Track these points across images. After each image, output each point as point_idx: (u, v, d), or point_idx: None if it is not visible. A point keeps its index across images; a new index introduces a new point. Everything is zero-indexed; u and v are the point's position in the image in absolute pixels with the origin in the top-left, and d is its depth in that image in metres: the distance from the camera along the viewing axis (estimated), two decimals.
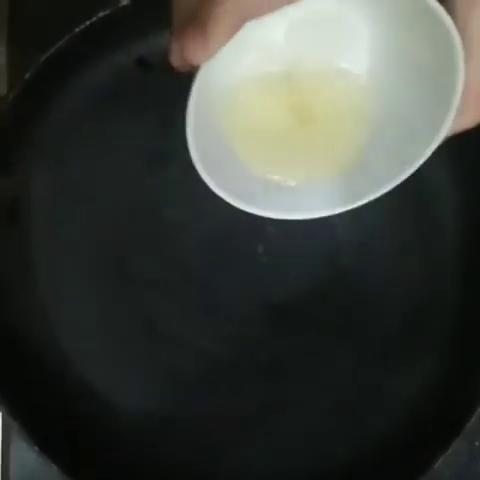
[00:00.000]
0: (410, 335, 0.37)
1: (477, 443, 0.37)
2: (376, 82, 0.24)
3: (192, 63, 0.23)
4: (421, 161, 0.23)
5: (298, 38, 0.24)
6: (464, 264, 0.37)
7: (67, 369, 0.34)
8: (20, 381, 0.32)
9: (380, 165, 0.24)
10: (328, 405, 0.36)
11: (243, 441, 0.36)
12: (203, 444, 0.35)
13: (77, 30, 0.30)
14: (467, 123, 0.23)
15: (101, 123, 0.35)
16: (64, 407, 0.33)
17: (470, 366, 0.34)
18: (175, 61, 0.24)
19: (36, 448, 0.30)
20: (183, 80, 0.35)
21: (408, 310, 0.37)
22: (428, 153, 0.23)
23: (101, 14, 0.30)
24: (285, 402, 0.36)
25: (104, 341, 0.35)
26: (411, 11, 0.21)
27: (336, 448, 0.36)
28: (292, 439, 0.36)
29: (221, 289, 0.37)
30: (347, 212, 0.38)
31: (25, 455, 0.34)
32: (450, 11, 0.21)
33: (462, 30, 0.21)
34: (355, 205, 0.25)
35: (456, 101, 0.22)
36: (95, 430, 0.34)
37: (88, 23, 0.30)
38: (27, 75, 0.30)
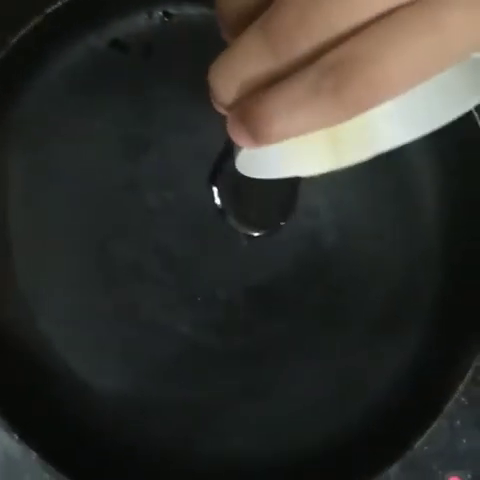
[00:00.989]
0: (392, 318, 0.37)
1: (458, 422, 0.37)
2: None
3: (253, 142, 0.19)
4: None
5: None
6: (445, 247, 0.37)
7: (50, 356, 0.34)
8: (1, 369, 0.32)
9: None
10: (311, 388, 0.36)
11: (224, 424, 0.36)
12: (184, 428, 0.35)
13: (49, 11, 0.29)
14: None
15: (76, 106, 0.35)
16: (46, 394, 0.33)
17: (451, 347, 0.34)
18: (234, 131, 0.20)
19: (16, 436, 0.29)
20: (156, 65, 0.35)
21: (390, 293, 0.37)
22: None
23: None
24: (268, 386, 0.36)
25: (86, 327, 0.35)
26: None
27: (318, 431, 0.36)
28: (274, 423, 0.36)
29: (203, 274, 0.36)
30: (329, 195, 0.39)
31: (5, 441, 0.34)
32: None
33: None
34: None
35: None
36: (76, 415, 0.34)
37: (60, 3, 0.29)
38: None
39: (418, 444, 0.33)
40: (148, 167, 0.36)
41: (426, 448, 0.36)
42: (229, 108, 0.20)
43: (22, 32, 0.29)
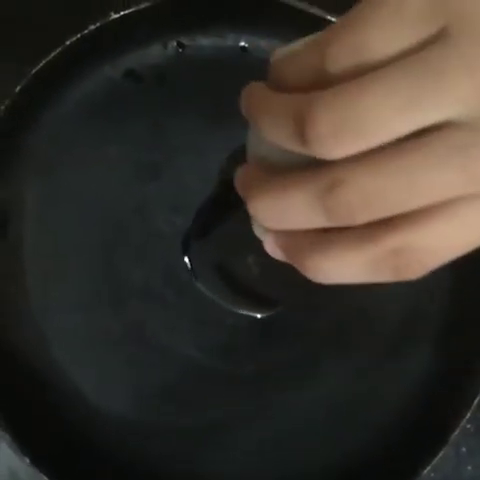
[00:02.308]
0: (396, 343, 0.37)
1: (464, 449, 0.37)
2: None
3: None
4: None
5: None
6: (453, 273, 0.37)
7: (57, 377, 0.34)
8: (10, 391, 0.32)
9: None
10: (314, 414, 0.37)
11: (226, 448, 0.36)
12: (184, 450, 0.36)
13: (68, 43, 0.30)
14: None
15: (90, 133, 0.35)
16: (53, 415, 0.33)
17: (458, 375, 0.35)
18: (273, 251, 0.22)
19: (27, 459, 0.30)
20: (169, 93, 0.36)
21: (394, 316, 0.37)
22: None
23: (92, 27, 0.30)
24: (270, 410, 0.37)
25: (93, 349, 0.35)
26: None
27: (322, 457, 0.36)
28: (276, 447, 0.36)
29: (210, 299, 0.37)
30: None
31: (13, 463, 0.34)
32: None
33: None
34: None
35: None
36: (83, 437, 0.34)
37: (79, 36, 0.30)
38: (18, 88, 0.30)
39: (425, 472, 0.33)
40: (158, 191, 0.36)
41: (432, 475, 0.36)
42: (273, 234, 0.21)
43: (42, 63, 0.30)
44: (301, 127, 0.18)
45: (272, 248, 0.21)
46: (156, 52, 0.35)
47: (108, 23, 0.31)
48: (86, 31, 0.31)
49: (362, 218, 0.18)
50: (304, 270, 0.20)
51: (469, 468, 0.38)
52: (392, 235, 0.18)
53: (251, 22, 0.35)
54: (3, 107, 0.30)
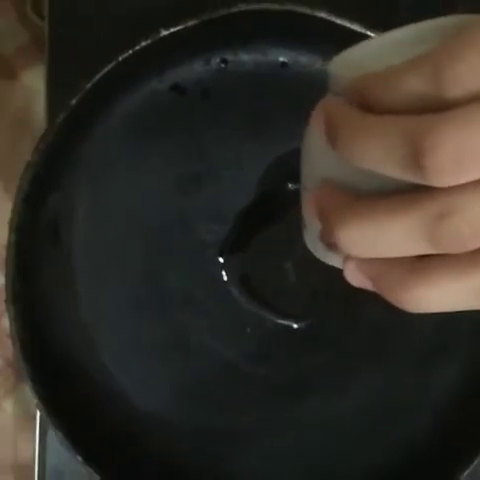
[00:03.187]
0: (428, 354, 0.38)
1: None
2: None
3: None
4: None
5: None
6: None
7: (107, 381, 0.35)
8: (63, 392, 0.33)
9: None
10: (353, 422, 0.37)
11: (261, 452, 0.37)
12: (222, 450, 0.37)
13: (121, 58, 0.32)
14: None
15: (137, 145, 0.37)
16: (104, 417, 0.35)
17: None
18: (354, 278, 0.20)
19: (79, 458, 0.31)
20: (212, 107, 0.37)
21: (427, 328, 0.38)
22: None
23: (143, 43, 0.32)
24: (302, 416, 0.37)
25: (138, 353, 0.36)
26: None
27: (353, 465, 0.37)
28: (311, 455, 0.37)
29: (247, 307, 0.38)
30: None
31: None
32: None
33: None
34: None
35: None
36: (130, 438, 0.36)
37: (131, 51, 0.32)
38: (74, 101, 0.31)
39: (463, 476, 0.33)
40: (199, 202, 0.38)
41: None
42: (356, 261, 0.20)
43: (97, 77, 0.31)
44: (417, 154, 0.17)
45: (355, 276, 0.20)
46: (200, 67, 0.37)
47: (158, 39, 0.32)
48: (137, 47, 0.32)
49: (473, 246, 0.18)
50: (399, 300, 0.19)
51: None
52: None
53: (291, 38, 0.37)
54: (60, 119, 0.31)
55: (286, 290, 0.38)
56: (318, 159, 0.22)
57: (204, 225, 0.38)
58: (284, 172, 0.38)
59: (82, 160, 0.35)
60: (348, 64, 0.20)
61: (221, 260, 0.38)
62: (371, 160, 0.18)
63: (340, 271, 0.21)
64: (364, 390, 0.37)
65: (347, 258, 0.20)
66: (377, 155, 0.18)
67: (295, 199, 0.36)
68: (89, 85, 0.31)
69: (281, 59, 0.37)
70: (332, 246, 0.20)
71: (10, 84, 0.45)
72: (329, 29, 0.34)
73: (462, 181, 0.17)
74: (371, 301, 0.35)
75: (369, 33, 0.33)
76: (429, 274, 0.18)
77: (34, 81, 0.44)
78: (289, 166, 0.37)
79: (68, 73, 0.36)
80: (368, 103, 0.19)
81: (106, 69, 0.31)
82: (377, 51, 0.21)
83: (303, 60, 0.37)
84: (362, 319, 0.38)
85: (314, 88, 0.36)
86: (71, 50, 0.37)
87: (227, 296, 0.38)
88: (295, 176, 0.36)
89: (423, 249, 0.18)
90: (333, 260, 0.22)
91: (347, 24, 0.33)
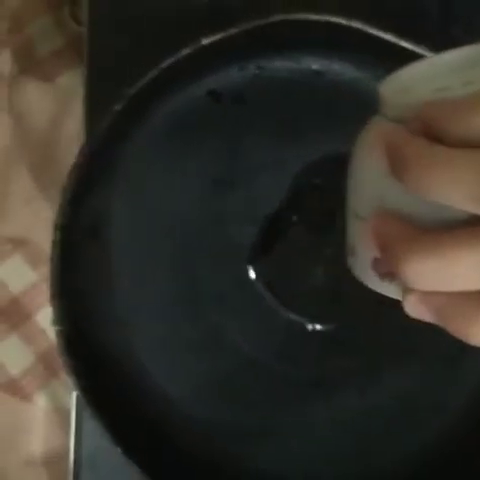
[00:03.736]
0: (456, 354, 0.39)
1: None
2: None
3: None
4: None
5: None
6: None
7: (142, 378, 0.37)
8: (100, 383, 0.35)
9: None
10: (372, 424, 0.38)
11: (289, 448, 0.38)
12: (247, 446, 0.38)
13: (163, 66, 0.33)
14: None
15: (175, 148, 0.38)
16: (139, 410, 0.36)
17: None
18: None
19: (119, 449, 0.32)
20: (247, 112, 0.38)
21: None
22: None
23: (184, 52, 0.33)
24: (330, 419, 0.38)
25: (173, 350, 0.38)
26: None
27: (374, 467, 0.38)
28: (339, 451, 0.38)
29: (281, 306, 0.39)
30: None
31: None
32: None
33: None
34: None
35: None
36: (163, 430, 0.37)
37: (173, 59, 0.33)
38: (117, 107, 0.32)
39: None
40: (233, 204, 0.39)
41: None
42: (419, 294, 0.19)
43: (139, 84, 0.32)
44: None
45: (418, 309, 0.20)
46: (236, 73, 0.38)
47: (199, 48, 0.33)
48: (179, 55, 0.33)
49: None
50: (464, 334, 0.19)
51: None
52: None
53: (325, 47, 0.38)
54: (104, 124, 0.33)
55: (313, 293, 0.39)
56: (375, 187, 0.21)
57: (237, 227, 0.39)
58: (315, 177, 0.39)
59: (122, 162, 0.37)
60: (402, 88, 0.20)
61: (251, 262, 0.39)
62: (443, 193, 0.18)
63: None
64: (385, 392, 0.38)
65: (409, 291, 0.20)
66: (451, 189, 0.18)
67: (328, 205, 0.37)
68: (133, 91, 0.32)
69: (314, 67, 0.39)
70: (388, 276, 0.20)
71: (45, 86, 0.46)
72: (364, 39, 0.35)
73: None
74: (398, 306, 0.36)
75: (403, 44, 0.34)
76: None
77: (69, 85, 0.45)
78: (320, 171, 0.38)
79: (106, 78, 0.37)
80: (436, 134, 0.18)
81: (149, 76, 0.32)
82: (430, 74, 0.20)
83: (336, 68, 0.38)
84: (388, 323, 0.39)
85: (348, 97, 0.37)
86: (109, 55, 0.38)
87: (257, 298, 0.39)
88: (326, 182, 0.38)
89: None
90: (386, 289, 0.22)
91: (381, 34, 0.34)
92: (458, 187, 0.17)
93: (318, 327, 0.39)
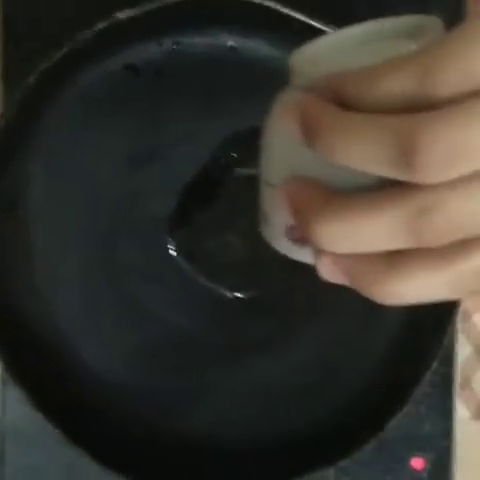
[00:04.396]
0: (365, 313, 0.41)
1: (423, 408, 0.42)
2: None
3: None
4: None
5: None
6: None
7: (63, 346, 0.38)
8: (20, 352, 0.35)
9: None
10: (290, 385, 0.40)
11: (213, 407, 0.40)
12: (174, 409, 0.39)
13: (78, 39, 0.33)
14: None
15: (93, 123, 0.38)
16: (60, 376, 0.37)
17: (422, 338, 0.39)
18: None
19: (40, 413, 0.33)
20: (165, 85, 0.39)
21: None
22: None
23: (100, 26, 0.33)
24: (249, 380, 0.40)
25: (93, 318, 0.39)
26: None
27: (294, 423, 0.40)
28: (256, 409, 0.40)
29: (200, 276, 0.40)
30: None
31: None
32: None
33: None
34: None
35: None
36: (83, 395, 0.38)
37: (88, 34, 0.33)
38: (30, 80, 0.32)
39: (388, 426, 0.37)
40: (151, 176, 0.39)
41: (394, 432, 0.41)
42: (333, 257, 0.19)
43: (53, 58, 0.32)
44: (408, 151, 0.17)
45: (330, 272, 0.20)
46: (153, 48, 0.39)
47: (114, 22, 0.34)
48: (94, 29, 0.33)
49: (449, 240, 0.18)
50: (375, 293, 0.19)
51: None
52: (475, 255, 0.18)
53: (239, 24, 0.39)
54: (14, 102, 0.33)
55: (232, 262, 0.41)
56: (286, 155, 0.21)
57: (155, 199, 0.40)
58: (231, 150, 0.40)
59: (38, 138, 0.37)
60: (311, 59, 0.21)
61: (170, 233, 0.40)
62: (356, 158, 0.18)
63: None
64: (300, 353, 0.40)
65: (321, 253, 0.20)
66: (363, 153, 0.18)
67: (242, 178, 0.39)
68: (46, 65, 0.32)
69: (230, 43, 0.40)
70: (301, 241, 0.20)
71: None
72: (277, 17, 0.36)
73: (450, 177, 0.17)
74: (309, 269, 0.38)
75: (314, 23, 0.36)
76: (404, 268, 0.19)
77: None
78: (236, 144, 0.40)
79: (23, 54, 0.37)
80: (345, 101, 0.19)
81: (63, 50, 0.33)
82: (340, 47, 0.21)
83: (251, 45, 0.39)
84: (301, 286, 0.40)
85: (263, 73, 0.39)
86: (25, 30, 0.38)
87: (176, 268, 0.40)
88: (242, 155, 0.39)
89: (401, 243, 0.18)
90: (299, 255, 0.22)
91: (292, 13, 0.36)
92: (373, 151, 0.18)
93: (237, 295, 0.41)
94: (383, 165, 0.18)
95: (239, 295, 0.41)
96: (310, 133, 0.19)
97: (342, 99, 0.19)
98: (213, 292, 0.40)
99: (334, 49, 0.21)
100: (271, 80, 0.36)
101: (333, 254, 0.20)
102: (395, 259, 0.19)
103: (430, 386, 0.41)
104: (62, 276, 0.39)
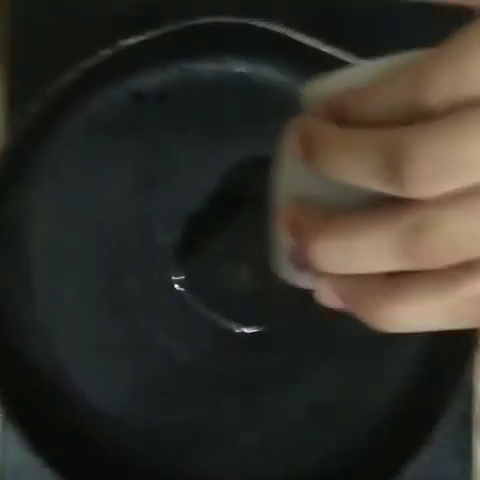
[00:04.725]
0: (378, 349, 0.40)
1: (441, 448, 0.40)
2: None
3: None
4: None
5: None
6: None
7: (64, 381, 0.36)
8: (19, 391, 0.34)
9: None
10: (300, 417, 0.39)
11: (221, 448, 0.38)
12: (180, 448, 0.38)
13: (82, 67, 0.32)
14: None
15: (96, 149, 0.38)
16: (62, 416, 0.36)
17: (439, 377, 0.37)
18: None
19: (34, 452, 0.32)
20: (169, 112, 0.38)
21: None
22: None
23: (104, 53, 0.33)
24: (258, 417, 0.39)
25: (94, 352, 0.37)
26: None
27: (305, 460, 0.38)
28: (261, 449, 0.39)
29: (205, 308, 0.39)
30: None
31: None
32: None
33: None
34: None
35: None
36: (84, 433, 0.36)
37: (93, 61, 0.32)
38: (35, 106, 0.32)
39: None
40: (157, 205, 0.38)
41: None
42: (330, 280, 0.19)
43: (58, 85, 0.32)
44: (396, 164, 0.16)
45: (328, 295, 0.20)
46: (159, 75, 0.38)
47: (118, 50, 0.33)
48: (98, 56, 0.33)
49: (449, 262, 0.17)
50: (373, 319, 0.18)
51: None
52: (475, 279, 0.17)
53: (248, 50, 0.38)
54: (19, 129, 0.32)
55: (238, 295, 0.39)
56: (291, 179, 0.21)
57: (159, 229, 0.39)
58: (239, 178, 0.39)
59: (42, 164, 0.36)
60: (325, 93, 0.20)
61: (175, 264, 0.39)
62: (348, 173, 0.18)
63: None
64: (315, 387, 0.39)
65: (320, 276, 0.19)
66: (355, 167, 0.18)
67: (250, 205, 0.38)
68: (51, 92, 0.31)
69: (238, 70, 0.39)
70: (303, 266, 0.20)
71: None
72: (286, 43, 0.35)
73: (440, 192, 0.17)
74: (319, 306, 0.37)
75: (325, 49, 0.35)
76: (400, 291, 0.18)
77: None
78: (242, 173, 0.39)
79: (28, 81, 0.36)
80: (344, 118, 0.19)
81: (67, 77, 0.32)
82: (357, 81, 0.20)
83: (259, 71, 0.38)
84: (311, 322, 0.39)
85: (271, 100, 0.38)
86: (30, 58, 0.38)
87: (181, 298, 0.39)
88: (249, 183, 0.38)
89: (397, 264, 0.18)
90: (303, 281, 0.22)
91: (302, 39, 0.35)
92: (364, 165, 0.17)
93: (244, 330, 0.39)
94: (375, 179, 0.17)
95: (245, 330, 0.39)
96: (307, 151, 0.19)
97: (343, 118, 0.19)
98: (217, 325, 0.39)
99: (346, 84, 0.21)
100: (280, 106, 0.36)
101: (331, 275, 0.19)
102: (393, 282, 0.18)
103: (449, 425, 0.39)
104: (62, 307, 0.37)
